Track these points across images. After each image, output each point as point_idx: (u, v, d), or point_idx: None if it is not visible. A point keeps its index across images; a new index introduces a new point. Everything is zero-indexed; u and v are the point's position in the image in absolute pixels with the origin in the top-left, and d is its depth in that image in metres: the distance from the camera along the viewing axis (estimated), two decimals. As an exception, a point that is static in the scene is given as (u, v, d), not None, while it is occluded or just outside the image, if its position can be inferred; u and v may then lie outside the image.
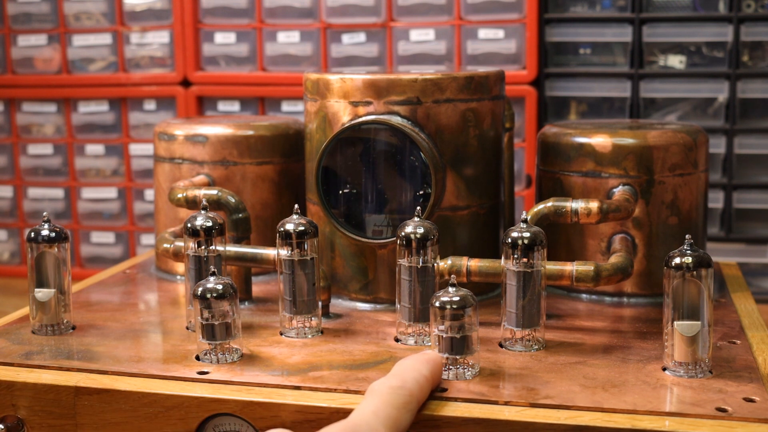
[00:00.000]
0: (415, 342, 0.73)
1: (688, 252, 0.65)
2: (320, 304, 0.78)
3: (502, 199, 0.89)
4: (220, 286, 0.68)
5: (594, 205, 0.78)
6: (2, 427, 0.67)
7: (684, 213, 0.85)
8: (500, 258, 0.73)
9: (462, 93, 0.82)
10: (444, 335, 0.64)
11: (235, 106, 1.44)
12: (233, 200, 0.85)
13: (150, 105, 1.47)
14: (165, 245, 0.84)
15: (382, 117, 0.80)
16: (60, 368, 0.69)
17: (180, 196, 0.86)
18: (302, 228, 0.74)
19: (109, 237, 1.51)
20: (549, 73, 1.32)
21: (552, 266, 0.74)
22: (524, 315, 0.71)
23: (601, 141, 0.84)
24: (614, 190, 0.84)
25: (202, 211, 0.77)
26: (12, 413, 0.67)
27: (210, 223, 0.76)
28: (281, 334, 0.76)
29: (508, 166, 0.93)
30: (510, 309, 0.71)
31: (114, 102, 1.48)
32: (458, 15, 1.33)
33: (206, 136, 0.94)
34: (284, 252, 0.74)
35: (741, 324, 0.78)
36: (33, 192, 1.53)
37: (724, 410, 0.59)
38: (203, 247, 0.76)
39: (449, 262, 0.75)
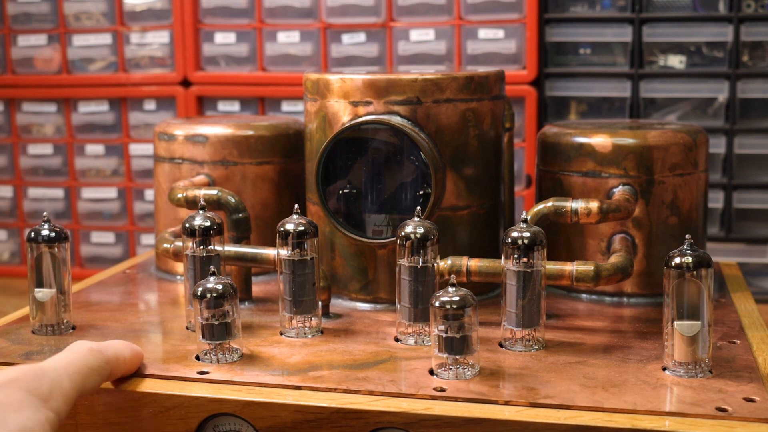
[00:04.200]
0: (415, 342, 0.73)
1: (688, 252, 0.65)
2: (320, 304, 0.78)
3: (502, 199, 0.89)
4: (220, 286, 0.68)
5: (594, 205, 0.78)
6: None
7: (684, 213, 0.85)
8: (500, 258, 0.73)
9: (462, 93, 0.82)
10: (444, 335, 0.64)
11: (235, 106, 1.44)
12: (233, 200, 0.85)
13: (150, 105, 1.47)
14: (165, 245, 0.84)
15: (382, 117, 0.80)
16: (60, 368, 0.69)
17: (180, 196, 0.86)
18: (302, 228, 0.74)
19: (109, 237, 1.51)
20: (549, 73, 1.32)
21: (552, 266, 0.74)
22: (524, 315, 0.71)
23: (601, 141, 0.84)
24: (614, 190, 0.84)
25: (201, 211, 0.77)
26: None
27: (208, 223, 0.76)
28: (281, 334, 0.76)
29: (508, 166, 0.93)
30: (510, 309, 0.71)
31: (114, 102, 1.48)
32: (458, 15, 1.33)
33: (206, 136, 0.94)
34: (284, 252, 0.74)
35: (741, 324, 0.78)
36: (33, 192, 1.53)
37: (724, 410, 0.59)
38: (202, 247, 0.76)
39: (449, 262, 0.75)
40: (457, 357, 0.65)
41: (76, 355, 0.60)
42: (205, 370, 0.67)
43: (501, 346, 0.72)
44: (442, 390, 0.63)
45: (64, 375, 0.57)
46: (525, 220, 0.72)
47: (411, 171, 0.81)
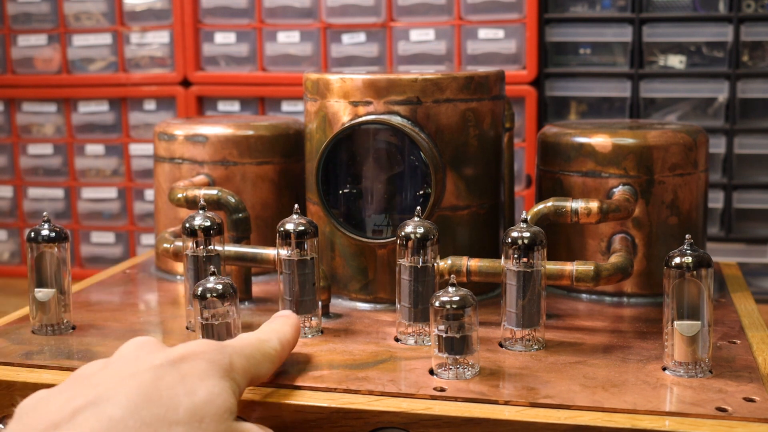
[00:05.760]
0: (415, 342, 0.73)
1: (688, 252, 0.65)
2: (320, 304, 0.78)
3: (502, 199, 0.89)
4: (220, 286, 0.68)
5: (594, 205, 0.78)
6: (2, 426, 0.67)
7: (684, 213, 0.85)
8: (500, 258, 0.73)
9: (462, 93, 0.82)
10: (444, 335, 0.64)
11: (235, 106, 1.44)
12: (233, 200, 0.85)
13: (150, 105, 1.47)
14: (165, 245, 0.84)
15: (382, 117, 0.80)
16: (60, 368, 0.69)
17: (180, 196, 0.86)
18: (302, 228, 0.74)
19: (109, 237, 1.51)
20: (549, 73, 1.32)
21: (552, 266, 0.74)
22: (524, 315, 0.71)
23: (601, 141, 0.84)
24: (614, 190, 0.84)
25: (200, 211, 0.77)
26: (12, 413, 0.67)
27: (208, 223, 0.76)
28: (281, 334, 0.76)
29: (508, 166, 0.93)
30: (510, 309, 0.71)
31: (114, 102, 1.48)
32: (458, 15, 1.33)
33: (206, 136, 0.94)
34: (284, 252, 0.74)
35: (741, 324, 0.78)
36: (33, 192, 1.53)
37: (724, 410, 0.59)
38: (202, 247, 0.76)
39: (449, 262, 0.75)
40: (457, 357, 0.65)
41: (249, 341, 0.61)
42: (205, 370, 0.67)
43: (501, 346, 0.72)
44: (442, 390, 0.63)
45: (241, 354, 0.58)
46: (525, 220, 0.72)
47: (411, 171, 0.81)
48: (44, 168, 1.53)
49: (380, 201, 0.82)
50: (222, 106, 1.45)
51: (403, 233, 0.73)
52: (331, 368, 0.67)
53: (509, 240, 0.71)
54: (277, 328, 0.66)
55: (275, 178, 0.95)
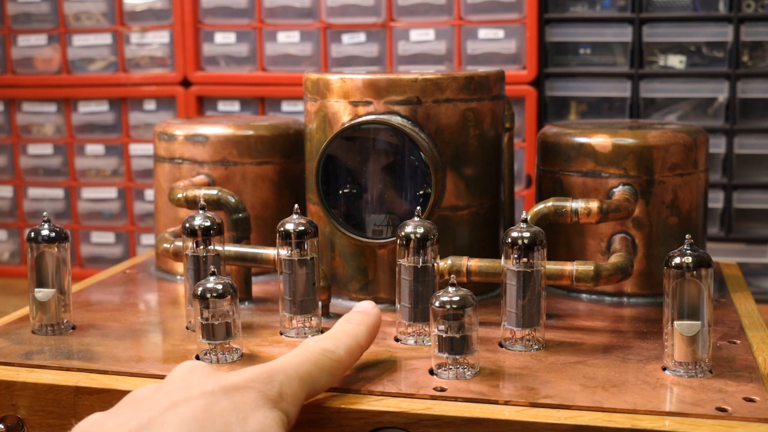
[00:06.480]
0: (415, 342, 0.73)
1: (688, 252, 0.65)
2: (320, 304, 0.78)
3: (502, 199, 0.89)
4: (219, 286, 0.68)
5: (594, 205, 0.78)
6: (2, 427, 0.67)
7: (684, 213, 0.85)
8: (500, 258, 0.73)
9: (462, 93, 0.82)
10: (444, 335, 0.64)
11: (235, 106, 1.44)
12: (233, 200, 0.85)
13: (150, 105, 1.47)
14: (165, 245, 0.84)
15: (382, 117, 0.80)
16: (60, 368, 0.69)
17: (180, 196, 0.86)
18: (302, 228, 0.74)
19: (109, 237, 1.51)
20: (549, 73, 1.32)
21: (552, 266, 0.74)
22: (524, 315, 0.71)
23: (601, 141, 0.84)
24: (614, 190, 0.84)
25: (200, 211, 0.77)
26: (12, 413, 0.67)
27: (208, 223, 0.76)
28: (281, 334, 0.76)
29: (508, 166, 0.93)
30: (510, 309, 0.71)
31: (114, 102, 1.48)
32: (458, 15, 1.33)
33: (206, 136, 0.94)
34: (284, 252, 0.74)
35: (741, 324, 0.78)
36: (33, 192, 1.53)
37: (724, 410, 0.59)
38: (201, 247, 0.76)
39: (449, 262, 0.75)
40: (457, 357, 0.65)
41: (308, 356, 0.60)
42: (205, 370, 0.67)
43: (501, 346, 0.72)
44: (442, 390, 0.63)
45: (294, 377, 0.57)
46: (525, 220, 0.72)
47: (411, 171, 0.81)
48: (44, 168, 1.53)
49: (380, 201, 0.82)
50: (222, 106, 1.45)
51: (403, 233, 0.73)
52: (331, 368, 0.67)
53: (509, 240, 0.71)
54: (351, 331, 0.64)
55: (275, 178, 0.95)
